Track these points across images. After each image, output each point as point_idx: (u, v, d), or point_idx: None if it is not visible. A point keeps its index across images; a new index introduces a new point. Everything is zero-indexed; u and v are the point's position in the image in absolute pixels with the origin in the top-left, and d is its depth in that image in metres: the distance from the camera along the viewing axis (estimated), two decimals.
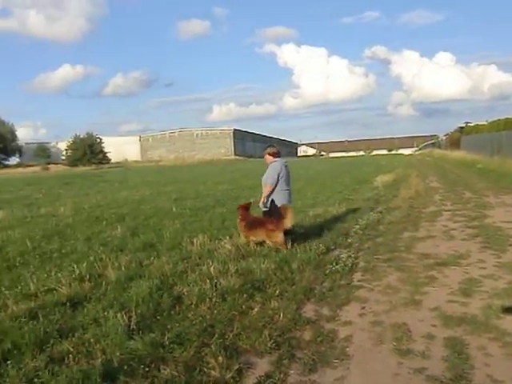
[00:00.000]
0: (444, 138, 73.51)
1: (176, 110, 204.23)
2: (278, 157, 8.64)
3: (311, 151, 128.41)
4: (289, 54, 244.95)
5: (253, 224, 8.03)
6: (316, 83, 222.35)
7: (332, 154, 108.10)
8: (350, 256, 7.31)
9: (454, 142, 53.73)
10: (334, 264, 6.84)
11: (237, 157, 76.90)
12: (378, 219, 10.67)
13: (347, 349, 4.22)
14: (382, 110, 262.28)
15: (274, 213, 7.99)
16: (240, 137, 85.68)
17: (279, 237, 7.72)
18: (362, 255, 7.55)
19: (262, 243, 7.86)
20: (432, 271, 6.44)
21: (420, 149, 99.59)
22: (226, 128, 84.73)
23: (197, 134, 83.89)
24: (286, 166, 8.48)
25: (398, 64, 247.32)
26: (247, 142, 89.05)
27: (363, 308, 5.23)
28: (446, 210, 11.80)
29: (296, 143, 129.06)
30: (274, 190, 8.22)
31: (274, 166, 8.36)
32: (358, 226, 9.71)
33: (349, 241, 8.57)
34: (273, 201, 8.21)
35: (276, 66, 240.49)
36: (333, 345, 4.33)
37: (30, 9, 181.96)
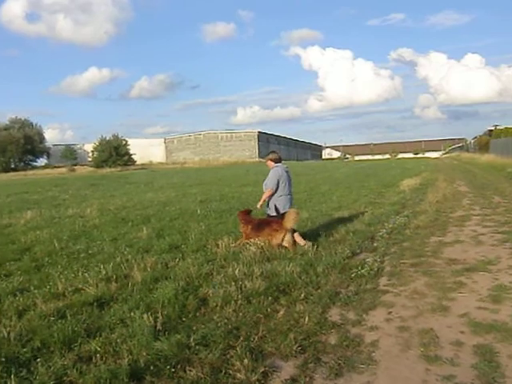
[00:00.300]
0: (472, 141, 72.38)
1: (201, 112, 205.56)
2: (280, 162, 8.92)
3: (336, 154, 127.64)
4: (314, 57, 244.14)
5: (260, 225, 8.25)
6: (341, 86, 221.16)
7: (357, 157, 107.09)
8: (375, 260, 7.24)
9: (483, 145, 52.89)
10: (360, 268, 6.78)
11: (261, 159, 76.66)
12: (405, 223, 10.54)
13: (373, 354, 4.18)
14: (408, 112, 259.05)
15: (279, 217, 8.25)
16: (264, 139, 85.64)
17: (279, 238, 7.91)
18: (388, 260, 7.47)
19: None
20: (460, 277, 6.33)
21: (447, 152, 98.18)
22: (251, 130, 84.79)
23: (221, 137, 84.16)
24: (287, 172, 8.74)
25: (424, 66, 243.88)
26: (271, 145, 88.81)
27: (390, 313, 5.17)
28: (475, 215, 11.58)
29: (320, 146, 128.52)
30: (274, 194, 8.48)
31: (275, 171, 8.62)
32: (384, 230, 9.60)
33: (375, 245, 8.48)
34: (276, 206, 8.43)
35: (301, 69, 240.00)
36: (359, 349, 4.29)
37: (58, 13, 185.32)
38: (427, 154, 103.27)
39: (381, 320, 4.98)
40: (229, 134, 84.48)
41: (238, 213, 9.07)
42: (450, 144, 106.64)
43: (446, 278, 6.33)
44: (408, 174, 28.94)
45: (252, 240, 8.15)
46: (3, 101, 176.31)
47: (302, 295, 5.62)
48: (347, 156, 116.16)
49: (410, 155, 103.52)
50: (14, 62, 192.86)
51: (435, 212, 12.09)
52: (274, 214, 8.45)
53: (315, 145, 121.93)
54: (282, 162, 9.05)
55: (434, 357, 4.05)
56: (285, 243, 7.96)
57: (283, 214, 8.18)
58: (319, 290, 5.87)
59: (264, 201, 8.56)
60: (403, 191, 17.86)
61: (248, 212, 8.82)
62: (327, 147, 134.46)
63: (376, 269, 6.80)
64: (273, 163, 8.86)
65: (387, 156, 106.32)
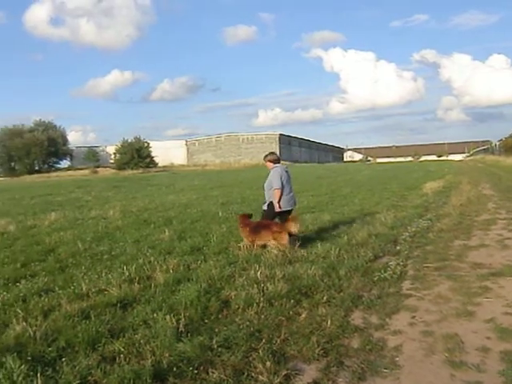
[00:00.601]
0: (497, 143, 71.19)
1: (222, 114, 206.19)
2: (278, 163, 9.11)
3: (358, 156, 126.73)
4: (335, 59, 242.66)
5: (257, 228, 8.32)
6: (363, 88, 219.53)
7: (379, 160, 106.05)
8: (398, 264, 7.17)
9: (509, 147, 52.03)
10: (383, 271, 6.72)
11: (282, 162, 76.71)
12: (428, 226, 10.42)
13: (397, 358, 4.14)
14: (431, 114, 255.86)
15: (269, 214, 8.69)
16: (286, 142, 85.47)
17: (285, 238, 8.01)
18: (411, 263, 7.39)
19: (264, 245, 8.14)
20: (486, 281, 6.22)
21: (471, 155, 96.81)
22: (272, 133, 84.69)
23: (242, 139, 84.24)
24: (286, 171, 8.91)
25: (448, 68, 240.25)
26: (293, 147, 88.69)
27: (413, 317, 5.11)
28: (501, 219, 11.38)
29: (342, 148, 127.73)
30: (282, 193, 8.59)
31: (276, 171, 8.76)
32: (406, 234, 9.51)
33: (397, 248, 8.40)
34: (270, 203, 8.69)
35: (322, 71, 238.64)
36: (382, 354, 4.25)
37: (82, 17, 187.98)
38: (451, 157, 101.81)
39: (404, 324, 4.93)
40: (250, 137, 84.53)
41: (238, 216, 9.16)
42: (475, 146, 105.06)
43: (471, 282, 6.23)
44: (431, 176, 28.63)
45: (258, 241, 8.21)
46: (28, 104, 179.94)
47: (325, 298, 5.60)
48: (369, 158, 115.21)
49: (433, 158, 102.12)
50: (39, 66, 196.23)
51: (459, 215, 11.92)
52: (265, 208, 8.77)
53: (337, 147, 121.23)
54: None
55: (459, 362, 3.99)
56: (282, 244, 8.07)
57: (284, 216, 8.52)
58: (341, 293, 5.83)
59: (279, 202, 8.59)
60: (426, 194, 17.67)
61: (248, 216, 8.88)
62: (349, 149, 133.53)
63: (399, 272, 6.74)
64: (272, 164, 9.01)
65: (410, 158, 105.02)
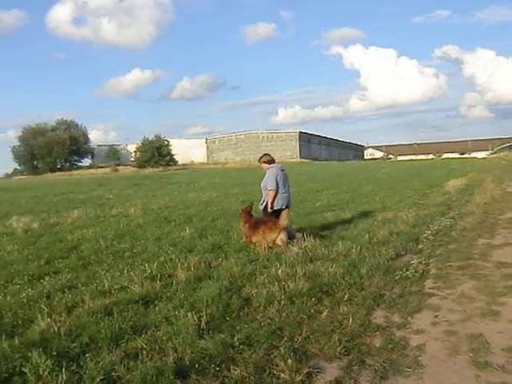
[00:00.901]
0: None
1: (241, 112, 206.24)
2: (273, 163, 9.30)
3: (378, 154, 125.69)
4: (356, 56, 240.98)
5: (256, 224, 8.41)
6: (384, 85, 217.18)
7: (400, 157, 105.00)
8: (420, 262, 7.10)
9: None
10: (404, 270, 6.66)
11: (302, 159, 76.53)
12: (451, 225, 10.28)
13: (420, 358, 4.10)
14: (454, 111, 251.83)
15: (266, 215, 8.88)
16: (305, 139, 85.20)
17: (273, 236, 8.09)
18: (433, 262, 7.30)
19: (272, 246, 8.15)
20: (511, 281, 6.11)
21: (495, 152, 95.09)
22: (292, 130, 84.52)
23: (262, 137, 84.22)
24: (282, 170, 9.12)
25: (471, 64, 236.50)
26: (313, 145, 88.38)
27: (436, 316, 5.05)
28: None
29: (362, 146, 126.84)
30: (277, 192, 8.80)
31: (271, 172, 8.98)
32: (429, 232, 9.40)
33: (419, 247, 8.31)
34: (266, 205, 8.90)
35: (342, 68, 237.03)
36: (404, 353, 4.22)
37: (103, 17, 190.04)
38: (474, 154, 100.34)
39: (427, 323, 4.88)
40: (270, 134, 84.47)
41: (241, 210, 9.17)
42: (498, 143, 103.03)
43: (495, 281, 6.13)
44: (454, 174, 28.27)
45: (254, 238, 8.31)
46: (51, 103, 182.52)
47: (346, 297, 5.57)
48: (390, 156, 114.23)
49: (456, 155, 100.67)
50: (61, 66, 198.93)
51: (483, 214, 11.73)
52: (271, 210, 8.83)
53: (357, 145, 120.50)
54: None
55: (484, 363, 3.93)
56: (278, 241, 8.14)
57: (276, 213, 8.61)
58: (363, 292, 5.80)
59: (272, 203, 8.79)
60: (449, 192, 17.45)
61: (249, 210, 8.92)
62: (369, 147, 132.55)
63: (421, 271, 6.66)
64: (267, 165, 9.22)
65: (431, 156, 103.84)
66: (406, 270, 6.62)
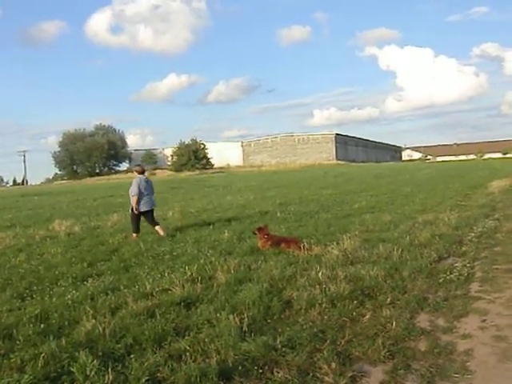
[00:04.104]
0: None
1: (277, 115, 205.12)
2: (143, 174, 11.46)
3: (416, 155, 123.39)
4: (391, 56, 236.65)
5: (278, 242, 8.64)
6: (421, 85, 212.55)
7: (439, 158, 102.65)
8: (465, 265, 6.93)
9: None
10: (448, 273, 6.51)
11: (339, 161, 75.94)
12: (495, 227, 10.00)
13: (468, 363, 3.99)
14: (495, 110, 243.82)
15: (133, 216, 11.00)
16: (342, 141, 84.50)
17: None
18: (478, 265, 7.10)
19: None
20: None
21: None
22: (328, 132, 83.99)
23: (298, 139, 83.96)
24: (146, 181, 11.24)
25: None
26: (349, 147, 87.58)
27: (484, 321, 4.91)
28: None
29: (400, 147, 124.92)
30: (139, 197, 10.87)
31: (135, 181, 11.04)
32: (472, 234, 9.16)
33: (463, 249, 8.10)
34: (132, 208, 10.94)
35: (378, 69, 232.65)
36: (451, 358, 4.11)
37: (139, 24, 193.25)
38: None
39: (474, 328, 4.74)
40: (305, 137, 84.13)
41: (256, 228, 9.30)
42: None
43: None
44: (497, 175, 27.45)
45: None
46: (89, 109, 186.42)
47: (388, 300, 5.48)
48: (428, 157, 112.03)
49: (499, 155, 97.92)
50: (99, 72, 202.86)
51: None
52: (137, 212, 10.86)
53: (394, 146, 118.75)
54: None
55: None
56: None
57: (146, 215, 11.05)
58: (406, 295, 5.70)
59: (135, 204, 10.80)
60: (492, 193, 16.99)
61: (266, 228, 9.20)
62: (407, 148, 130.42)
63: (466, 274, 6.50)
64: (137, 174, 11.38)
65: (472, 156, 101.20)
66: (450, 273, 6.47)
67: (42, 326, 4.98)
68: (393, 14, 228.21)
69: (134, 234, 10.91)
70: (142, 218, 11.18)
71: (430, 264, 6.99)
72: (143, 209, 10.94)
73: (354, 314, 5.11)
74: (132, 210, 10.99)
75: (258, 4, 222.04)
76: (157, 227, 11.04)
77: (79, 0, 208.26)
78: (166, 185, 36.77)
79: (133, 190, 10.91)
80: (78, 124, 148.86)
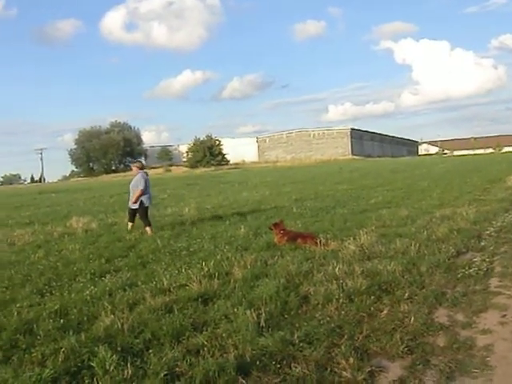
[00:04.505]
0: None
1: (291, 111, 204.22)
2: (143, 169, 11.73)
3: (433, 150, 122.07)
4: (407, 50, 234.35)
5: (294, 238, 8.61)
6: (437, 78, 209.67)
7: (456, 152, 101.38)
8: (484, 260, 6.84)
9: None
10: (467, 268, 6.44)
11: (354, 156, 75.61)
12: None
13: (488, 359, 3.95)
14: None
15: (143, 211, 11.20)
16: (357, 136, 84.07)
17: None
18: (498, 260, 7.00)
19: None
20: None
21: None
22: (343, 127, 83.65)
23: (313, 135, 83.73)
24: (147, 176, 11.54)
25: None
26: (365, 142, 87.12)
27: (504, 316, 4.85)
28: None
29: (416, 141, 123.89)
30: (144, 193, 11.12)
31: (142, 175, 11.32)
32: (491, 229, 9.05)
33: (482, 244, 8.00)
34: (141, 201, 11.13)
35: (393, 63, 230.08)
36: (471, 353, 4.07)
37: (154, 21, 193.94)
38: None
39: (494, 323, 4.69)
40: (321, 132, 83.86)
41: (273, 224, 9.27)
42: None
43: None
44: None
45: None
46: (105, 106, 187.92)
47: (406, 295, 5.44)
48: (445, 151, 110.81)
49: None
50: (114, 70, 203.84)
51: None
52: (136, 207, 11.17)
53: (411, 140, 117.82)
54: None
55: None
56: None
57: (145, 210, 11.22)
58: (424, 290, 5.65)
59: (137, 198, 11.08)
60: (511, 187, 16.75)
61: (282, 223, 9.18)
62: (423, 143, 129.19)
63: (485, 269, 6.42)
64: (138, 169, 11.56)
65: (490, 150, 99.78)
66: (469, 268, 6.40)
67: (62, 321, 5.04)
68: (409, 7, 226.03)
69: (131, 224, 11.47)
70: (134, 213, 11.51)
71: (448, 259, 6.92)
72: (147, 204, 11.27)
73: (372, 309, 5.08)
74: (141, 205, 11.17)
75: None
76: (130, 224, 11.49)
77: None
78: (181, 181, 37.00)
79: (140, 185, 11.17)
80: (93, 121, 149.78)
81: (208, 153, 75.65)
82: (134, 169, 11.79)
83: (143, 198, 11.18)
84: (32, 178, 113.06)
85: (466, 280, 6.03)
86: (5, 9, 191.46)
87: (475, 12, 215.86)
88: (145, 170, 11.78)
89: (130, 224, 11.50)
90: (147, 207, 11.35)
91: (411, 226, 9.69)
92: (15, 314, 5.33)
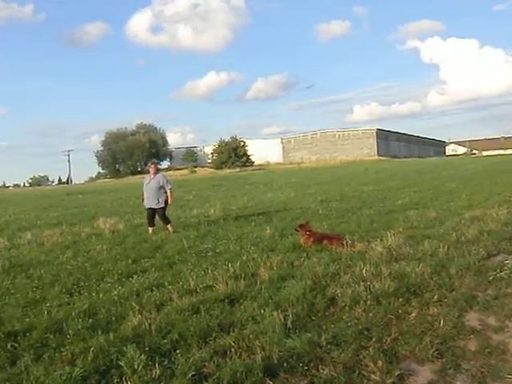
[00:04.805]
0: None
1: (316, 111, 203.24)
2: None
3: (461, 150, 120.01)
4: (434, 49, 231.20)
5: (320, 239, 8.56)
6: (466, 77, 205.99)
7: (485, 153, 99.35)
8: None
9: None
10: (498, 270, 6.28)
11: (380, 157, 74.80)
12: None
13: None
14: None
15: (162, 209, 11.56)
16: (383, 137, 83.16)
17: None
18: None
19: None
20: None
21: None
22: (369, 128, 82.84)
23: (338, 135, 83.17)
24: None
25: None
26: (391, 142, 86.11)
27: None
28: None
29: (443, 142, 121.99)
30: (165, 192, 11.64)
31: (162, 176, 12.02)
32: None
33: None
34: (165, 202, 11.62)
35: (419, 62, 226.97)
36: (504, 358, 3.98)
37: (179, 23, 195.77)
38: None
39: None
40: (346, 133, 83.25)
41: (299, 225, 9.20)
42: None
43: None
44: None
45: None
46: (131, 108, 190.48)
47: (435, 297, 5.35)
48: (474, 151, 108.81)
49: None
50: (140, 72, 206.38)
51: None
52: (163, 205, 11.53)
53: (438, 141, 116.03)
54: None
55: None
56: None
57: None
58: (453, 293, 5.55)
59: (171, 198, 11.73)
60: None
61: (307, 225, 9.11)
62: (451, 143, 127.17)
63: None
64: (155, 170, 12.00)
65: None
66: (501, 271, 6.24)
67: (91, 320, 5.11)
68: (435, 5, 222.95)
69: (151, 228, 11.57)
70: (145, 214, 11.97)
71: (479, 261, 6.78)
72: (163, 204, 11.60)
73: (400, 311, 5.01)
74: (166, 204, 11.57)
75: (295, 0, 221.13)
76: (151, 229, 11.59)
77: (120, 1, 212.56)
78: (206, 182, 37.17)
79: (169, 183, 11.76)
80: (119, 123, 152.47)
81: (233, 154, 75.81)
82: (153, 169, 12.00)
83: (163, 197, 11.58)
84: (59, 180, 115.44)
85: (497, 283, 5.89)
86: (34, 13, 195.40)
87: (503, 9, 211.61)
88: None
89: (150, 229, 11.56)
90: (164, 207, 11.63)
91: (439, 228, 9.55)
92: (45, 313, 5.43)
